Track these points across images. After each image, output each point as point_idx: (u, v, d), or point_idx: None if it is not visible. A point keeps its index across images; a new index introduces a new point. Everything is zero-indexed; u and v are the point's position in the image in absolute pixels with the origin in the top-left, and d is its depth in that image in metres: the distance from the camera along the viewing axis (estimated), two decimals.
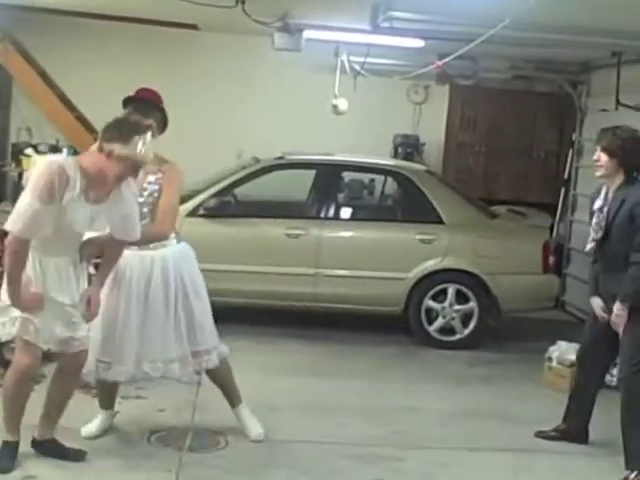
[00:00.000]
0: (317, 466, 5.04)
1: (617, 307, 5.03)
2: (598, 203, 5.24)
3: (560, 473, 5.27)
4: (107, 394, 5.25)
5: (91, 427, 5.18)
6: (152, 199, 4.88)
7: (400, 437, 5.63)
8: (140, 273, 4.89)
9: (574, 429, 5.63)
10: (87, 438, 5.09)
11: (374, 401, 6.35)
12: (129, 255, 4.83)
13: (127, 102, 4.98)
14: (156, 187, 4.88)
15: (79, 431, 5.12)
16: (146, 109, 4.84)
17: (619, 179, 5.14)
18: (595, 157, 5.21)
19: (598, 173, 5.22)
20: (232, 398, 5.31)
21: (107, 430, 5.21)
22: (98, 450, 4.93)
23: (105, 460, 4.82)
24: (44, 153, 10.68)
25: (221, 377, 5.25)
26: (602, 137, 5.21)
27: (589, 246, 5.31)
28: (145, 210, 4.85)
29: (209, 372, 5.19)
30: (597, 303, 5.32)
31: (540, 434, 5.71)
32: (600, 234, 5.16)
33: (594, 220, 5.24)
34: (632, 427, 5.02)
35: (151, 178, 4.87)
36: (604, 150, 5.13)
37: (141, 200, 4.80)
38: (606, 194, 5.21)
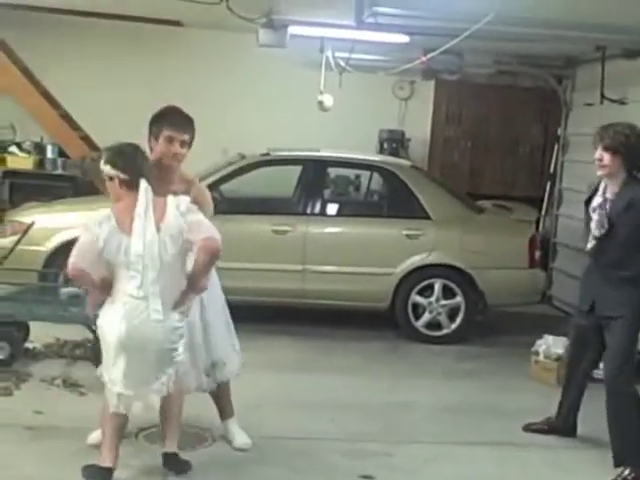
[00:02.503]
0: (306, 462, 5.04)
1: None
2: (597, 200, 5.12)
3: (549, 466, 5.29)
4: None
5: (99, 435, 4.92)
6: None
7: (389, 432, 5.65)
8: None
9: (563, 423, 5.64)
10: (94, 446, 4.88)
11: (362, 397, 6.35)
12: None
13: (157, 118, 4.79)
14: None
15: (68, 430, 5.10)
16: (182, 123, 4.75)
17: (621, 177, 5.03)
18: (597, 156, 5.04)
19: (600, 172, 5.07)
20: (225, 411, 5.25)
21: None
22: (86, 448, 4.90)
23: (94, 458, 4.75)
24: (28, 151, 10.68)
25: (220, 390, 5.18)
26: (603, 135, 5.04)
27: (590, 245, 5.19)
28: None
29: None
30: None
31: (528, 427, 5.74)
32: (603, 231, 5.06)
33: (595, 217, 5.10)
34: (617, 426, 5.03)
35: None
36: (606, 149, 4.99)
37: None
38: (604, 191, 5.11)
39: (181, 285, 4.45)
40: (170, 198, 4.44)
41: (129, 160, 4.48)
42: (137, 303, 4.34)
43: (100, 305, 4.51)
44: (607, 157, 5.01)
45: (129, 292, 4.35)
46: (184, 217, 4.39)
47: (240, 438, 5.18)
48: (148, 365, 4.41)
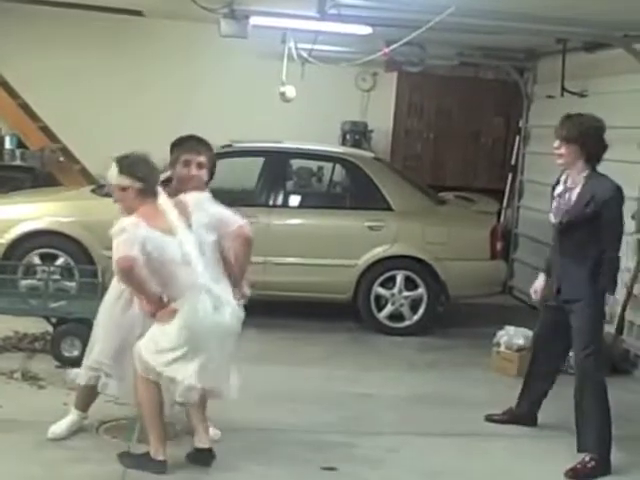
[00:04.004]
0: (269, 453, 5.03)
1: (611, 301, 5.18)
2: (559, 189, 5.23)
3: (512, 455, 5.33)
4: (88, 397, 5.04)
5: (59, 428, 4.96)
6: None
7: (352, 423, 5.66)
8: None
9: (524, 413, 5.68)
10: (53, 439, 4.88)
11: (325, 388, 6.35)
12: None
13: (175, 146, 4.97)
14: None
15: (27, 423, 5.05)
16: (197, 146, 4.90)
17: (580, 168, 5.08)
18: (555, 145, 5.13)
19: (559, 162, 5.16)
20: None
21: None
22: (46, 442, 4.85)
23: (53, 451, 4.76)
24: None
25: None
26: (562, 126, 5.12)
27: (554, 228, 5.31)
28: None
29: None
30: (538, 283, 5.44)
31: (490, 418, 5.77)
32: (559, 219, 5.16)
33: (554, 204, 5.23)
34: (584, 411, 5.07)
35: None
36: (563, 139, 5.07)
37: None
38: (565, 180, 5.20)
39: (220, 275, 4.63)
40: (184, 195, 4.70)
41: (146, 169, 4.59)
42: (205, 293, 4.49)
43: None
44: (564, 147, 5.07)
45: (196, 283, 4.47)
46: (207, 211, 4.65)
47: (211, 429, 5.13)
48: (226, 354, 4.65)
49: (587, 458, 5.03)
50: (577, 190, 5.10)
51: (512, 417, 5.71)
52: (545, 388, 5.62)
